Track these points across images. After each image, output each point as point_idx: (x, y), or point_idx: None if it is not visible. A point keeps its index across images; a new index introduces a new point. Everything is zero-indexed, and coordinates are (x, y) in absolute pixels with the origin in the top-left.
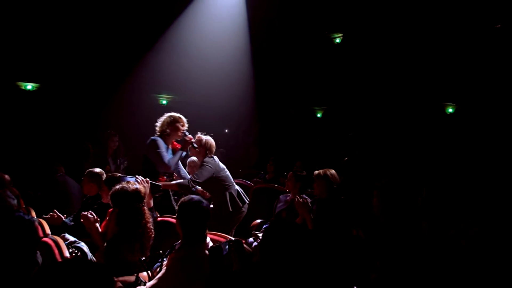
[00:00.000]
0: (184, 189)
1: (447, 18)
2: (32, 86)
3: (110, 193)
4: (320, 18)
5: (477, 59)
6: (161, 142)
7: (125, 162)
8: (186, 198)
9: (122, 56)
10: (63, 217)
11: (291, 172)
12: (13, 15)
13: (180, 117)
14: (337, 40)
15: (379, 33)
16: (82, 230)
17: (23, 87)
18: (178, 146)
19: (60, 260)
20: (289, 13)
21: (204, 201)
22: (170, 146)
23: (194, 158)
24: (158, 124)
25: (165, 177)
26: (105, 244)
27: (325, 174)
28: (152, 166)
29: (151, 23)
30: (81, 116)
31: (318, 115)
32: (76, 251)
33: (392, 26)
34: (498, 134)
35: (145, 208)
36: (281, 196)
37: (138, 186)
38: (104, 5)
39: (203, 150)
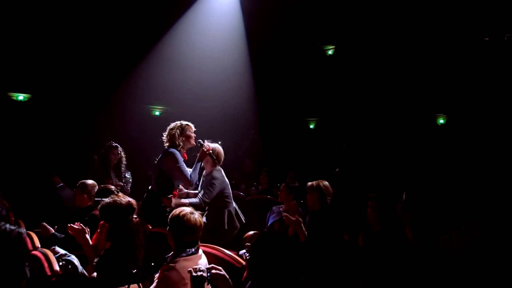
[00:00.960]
0: (197, 209)
1: (437, 32)
2: (24, 97)
3: (99, 207)
4: (312, 30)
5: (467, 71)
6: (179, 156)
7: (129, 178)
8: (177, 210)
9: (114, 67)
10: (52, 230)
11: (283, 184)
12: (5, 26)
13: (188, 124)
14: (330, 52)
15: (371, 45)
16: (74, 243)
17: (14, 98)
18: (185, 157)
19: (49, 273)
20: (282, 25)
21: (195, 213)
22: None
23: None
24: (166, 136)
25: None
26: (97, 259)
27: (318, 185)
28: (168, 180)
29: (145, 33)
30: (73, 127)
31: (311, 126)
32: (66, 264)
33: (384, 38)
34: (488, 144)
35: (135, 218)
36: (274, 208)
37: (130, 199)
38: (97, 16)
39: (211, 159)
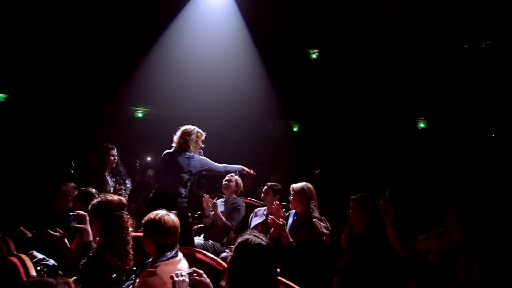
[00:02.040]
0: (228, 230)
1: (419, 38)
2: (1, 97)
3: (91, 206)
4: (297, 34)
5: (447, 77)
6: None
7: (129, 185)
8: (152, 214)
9: (98, 68)
10: (29, 234)
11: (267, 187)
12: None
13: (202, 133)
14: (314, 56)
15: (354, 50)
16: (54, 247)
17: None
18: None
19: (25, 279)
20: (267, 29)
21: (170, 214)
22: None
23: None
24: (181, 139)
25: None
26: (91, 254)
27: (301, 188)
28: (190, 186)
29: (131, 35)
30: (53, 128)
31: (295, 129)
32: (44, 268)
33: (367, 44)
34: (467, 147)
35: (127, 215)
36: (256, 210)
37: (120, 197)
38: (80, 16)
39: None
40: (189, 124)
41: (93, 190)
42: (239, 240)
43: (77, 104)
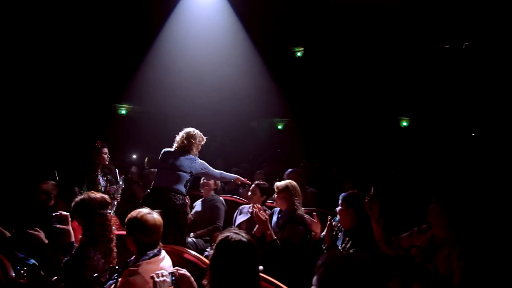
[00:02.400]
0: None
1: (402, 38)
2: None
3: (74, 204)
4: (282, 32)
5: (429, 76)
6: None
7: (122, 184)
8: (133, 212)
9: (80, 64)
10: (7, 233)
11: (255, 185)
12: None
13: (203, 138)
14: (298, 54)
15: (338, 49)
16: (34, 246)
17: None
18: None
19: (3, 280)
20: (252, 27)
21: (153, 212)
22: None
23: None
24: (184, 141)
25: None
26: (74, 252)
27: (286, 186)
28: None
29: (119, 32)
30: (34, 125)
31: (279, 127)
32: (24, 268)
33: (351, 44)
34: (449, 145)
35: (109, 213)
36: (241, 207)
37: (103, 194)
38: (67, 13)
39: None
40: (172, 122)
41: (76, 188)
42: (219, 237)
43: (61, 101)
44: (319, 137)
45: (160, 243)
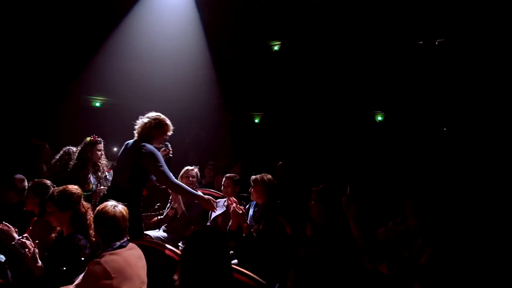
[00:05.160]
0: (185, 221)
1: (377, 34)
2: None
3: (57, 200)
4: (259, 26)
5: (403, 72)
6: (160, 155)
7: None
8: (101, 206)
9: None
10: None
11: (228, 178)
12: None
13: (167, 123)
14: (275, 48)
15: (315, 43)
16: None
17: None
18: None
19: None
20: (229, 20)
21: (118, 205)
22: None
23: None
24: (140, 125)
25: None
26: (63, 245)
27: (262, 179)
28: (141, 178)
29: (89, 22)
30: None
31: (256, 121)
32: None
33: (327, 38)
34: (423, 140)
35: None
36: (217, 201)
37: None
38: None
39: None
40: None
41: (48, 182)
42: (190, 232)
43: (30, 93)
44: (295, 131)
45: (128, 236)
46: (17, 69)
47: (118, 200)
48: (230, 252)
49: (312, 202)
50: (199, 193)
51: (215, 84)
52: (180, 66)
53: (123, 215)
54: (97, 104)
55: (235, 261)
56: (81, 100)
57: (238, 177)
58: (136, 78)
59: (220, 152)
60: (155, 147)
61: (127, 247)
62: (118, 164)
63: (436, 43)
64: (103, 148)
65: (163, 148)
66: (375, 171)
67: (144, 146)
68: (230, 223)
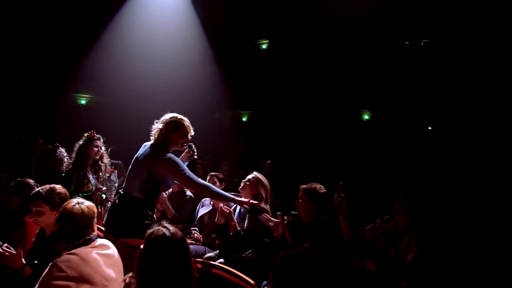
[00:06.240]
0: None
1: (365, 35)
2: None
3: (47, 195)
4: (247, 24)
5: (390, 71)
6: (178, 161)
7: (115, 180)
8: (65, 203)
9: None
10: None
11: (210, 177)
12: None
13: (185, 124)
14: (264, 46)
15: (303, 43)
16: None
17: None
18: None
19: None
20: (217, 17)
21: (84, 202)
22: None
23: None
24: (155, 130)
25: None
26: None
27: (253, 178)
28: (155, 188)
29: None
30: None
31: (244, 119)
32: None
33: (316, 37)
34: (409, 137)
35: None
36: (203, 200)
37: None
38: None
39: None
40: (132, 112)
41: (31, 181)
42: (147, 233)
43: (21, 92)
44: (282, 129)
45: (94, 232)
46: (4, 68)
47: (126, 209)
48: (215, 252)
49: (300, 200)
50: (229, 194)
51: (202, 82)
52: (166, 65)
53: (82, 212)
54: (83, 102)
55: (221, 260)
56: (70, 98)
57: (221, 175)
58: (128, 76)
59: (208, 151)
60: (175, 151)
61: (90, 245)
62: (132, 168)
63: (422, 43)
64: (102, 145)
65: (187, 150)
66: (362, 169)
67: (160, 153)
68: (216, 218)
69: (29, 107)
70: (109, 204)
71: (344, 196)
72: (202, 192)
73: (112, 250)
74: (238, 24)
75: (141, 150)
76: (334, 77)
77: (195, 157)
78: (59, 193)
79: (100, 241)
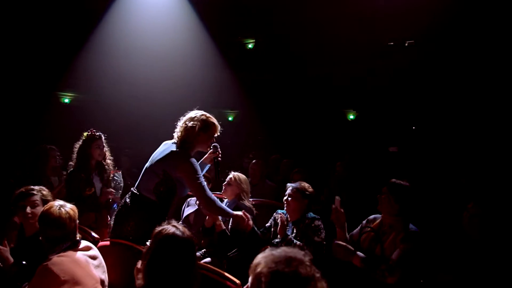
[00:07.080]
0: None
1: (350, 36)
2: None
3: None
4: (233, 23)
5: (374, 72)
6: (197, 165)
7: (120, 180)
8: (46, 206)
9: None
10: None
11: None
12: None
13: (215, 123)
14: (250, 46)
15: (289, 42)
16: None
17: None
18: None
19: None
20: (203, 16)
21: (66, 205)
22: None
23: None
24: (182, 128)
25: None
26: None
27: (234, 177)
28: (170, 192)
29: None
30: None
31: (230, 119)
32: None
33: (302, 36)
34: (394, 137)
35: None
36: (189, 199)
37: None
38: None
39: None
40: (119, 111)
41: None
42: (155, 230)
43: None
44: (268, 129)
45: (78, 235)
46: None
47: (138, 211)
48: (202, 250)
49: (289, 198)
50: (230, 211)
51: (188, 81)
52: (153, 63)
53: (69, 216)
54: (66, 101)
55: (208, 259)
56: (49, 96)
57: (209, 175)
58: (107, 75)
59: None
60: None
61: (78, 247)
62: (148, 167)
63: (406, 44)
64: (105, 145)
65: (211, 151)
66: (348, 169)
67: (183, 155)
68: (205, 220)
69: (14, 107)
70: (115, 205)
71: (341, 212)
72: (207, 204)
73: (95, 250)
74: (223, 23)
75: (160, 149)
76: (319, 77)
77: (219, 159)
78: (48, 194)
79: (83, 242)
